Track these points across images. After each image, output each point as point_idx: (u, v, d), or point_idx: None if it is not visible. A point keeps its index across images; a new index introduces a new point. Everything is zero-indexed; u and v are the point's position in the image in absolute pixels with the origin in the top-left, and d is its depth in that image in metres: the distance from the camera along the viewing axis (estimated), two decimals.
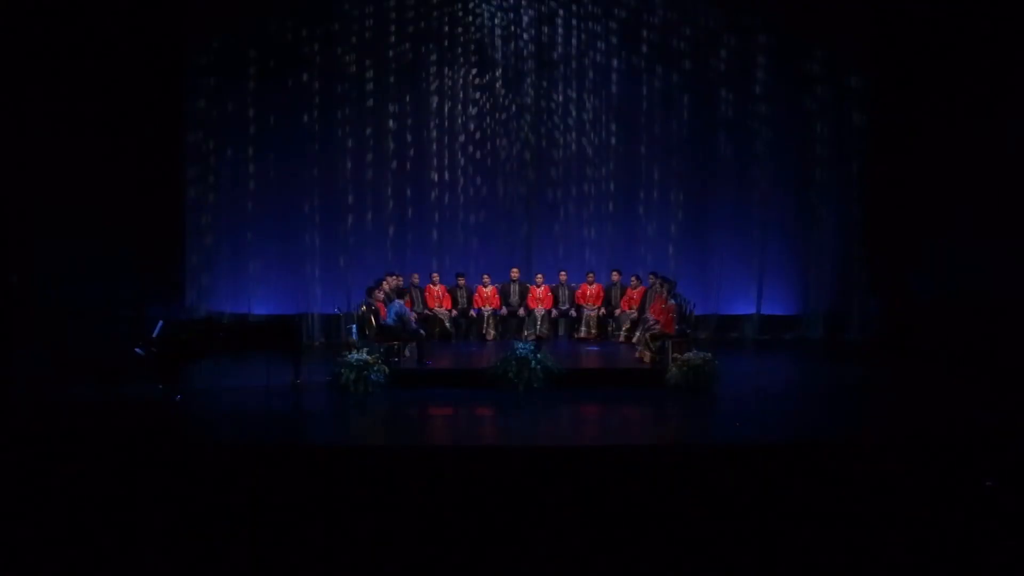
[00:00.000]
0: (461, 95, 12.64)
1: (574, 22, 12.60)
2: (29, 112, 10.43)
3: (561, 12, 12.59)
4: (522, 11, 12.55)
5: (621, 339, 11.49)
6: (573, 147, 12.77)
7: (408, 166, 12.61)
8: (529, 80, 12.63)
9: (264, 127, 12.27)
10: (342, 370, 8.88)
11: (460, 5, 12.47)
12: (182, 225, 12.16)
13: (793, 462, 6.66)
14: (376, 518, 5.56)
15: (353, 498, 5.96)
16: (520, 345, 9.40)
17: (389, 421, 8.31)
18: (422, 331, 10.17)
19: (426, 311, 11.66)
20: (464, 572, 4.86)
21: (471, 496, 5.97)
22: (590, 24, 12.61)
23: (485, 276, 12.13)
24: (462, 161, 12.71)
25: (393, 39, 12.44)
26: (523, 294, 12.07)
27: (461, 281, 12.09)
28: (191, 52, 12.03)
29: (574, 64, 12.67)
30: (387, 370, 9.05)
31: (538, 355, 9.13)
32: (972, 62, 11.00)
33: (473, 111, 12.66)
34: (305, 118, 12.29)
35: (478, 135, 12.72)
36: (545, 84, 12.66)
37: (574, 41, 12.64)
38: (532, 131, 12.68)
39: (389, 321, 9.75)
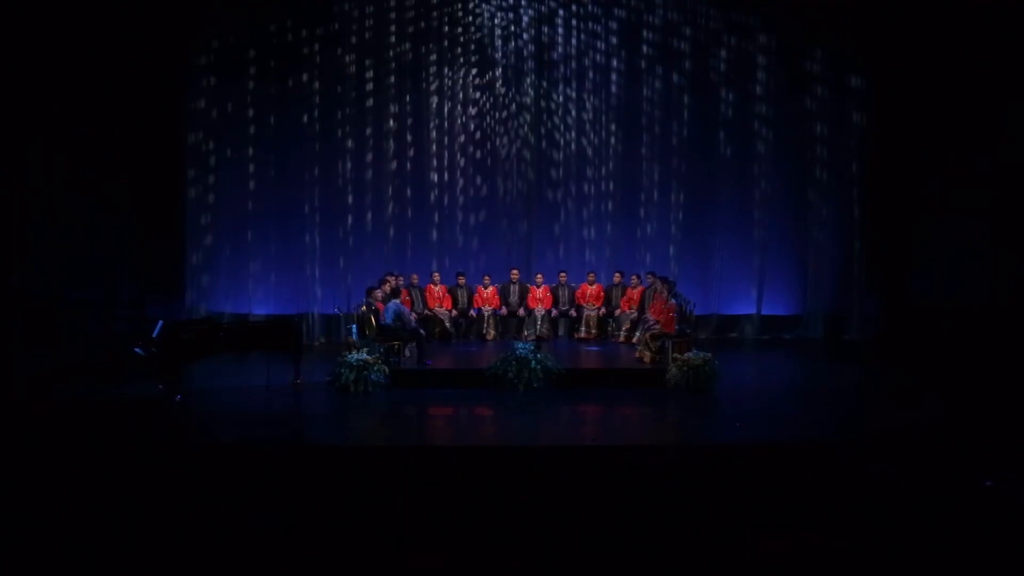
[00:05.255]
0: (461, 95, 12.65)
1: (574, 22, 12.62)
2: (28, 112, 10.42)
3: (561, 12, 12.61)
4: (522, 11, 12.56)
5: (621, 339, 11.50)
6: (573, 147, 12.78)
7: (408, 166, 12.61)
8: (529, 80, 12.64)
9: (264, 127, 12.27)
10: (342, 370, 8.88)
11: (460, 5, 12.48)
12: (182, 225, 12.16)
13: (793, 462, 6.66)
14: (376, 518, 5.56)
15: (353, 498, 5.96)
16: (520, 345, 9.40)
17: (389, 421, 8.31)
18: (422, 331, 10.17)
19: (426, 311, 11.66)
20: (464, 572, 4.86)
21: (471, 496, 5.97)
22: (590, 24, 12.62)
23: (485, 277, 12.14)
24: (462, 161, 12.72)
25: (393, 39, 12.45)
26: (523, 294, 12.07)
27: (461, 281, 12.09)
28: (191, 52, 12.02)
29: (574, 64, 12.68)
30: (387, 370, 9.06)
31: (538, 355, 9.14)
32: (972, 62, 11.00)
33: (473, 111, 12.67)
34: (305, 118, 12.29)
35: (478, 135, 12.72)
36: (545, 84, 12.67)
37: (574, 41, 12.65)
38: (532, 131, 12.69)
39: (388, 321, 9.75)
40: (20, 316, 10.03)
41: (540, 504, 5.78)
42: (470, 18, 12.54)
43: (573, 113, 12.76)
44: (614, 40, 12.63)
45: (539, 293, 12.06)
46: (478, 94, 12.69)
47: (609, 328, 11.92)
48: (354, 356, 9.04)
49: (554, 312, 12.04)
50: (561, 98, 12.73)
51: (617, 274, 12.14)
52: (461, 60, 12.59)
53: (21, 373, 9.60)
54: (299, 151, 12.31)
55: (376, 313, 9.79)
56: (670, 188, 12.75)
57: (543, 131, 12.75)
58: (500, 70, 12.62)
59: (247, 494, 6.00)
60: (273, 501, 5.86)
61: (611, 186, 12.82)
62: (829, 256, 12.73)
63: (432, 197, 12.68)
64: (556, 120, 12.77)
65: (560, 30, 12.65)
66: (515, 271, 12.19)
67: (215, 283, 12.31)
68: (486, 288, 12.06)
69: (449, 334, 11.75)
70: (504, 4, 12.55)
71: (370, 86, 12.45)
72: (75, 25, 10.80)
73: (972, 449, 6.80)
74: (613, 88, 12.71)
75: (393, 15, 12.37)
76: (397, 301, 10.02)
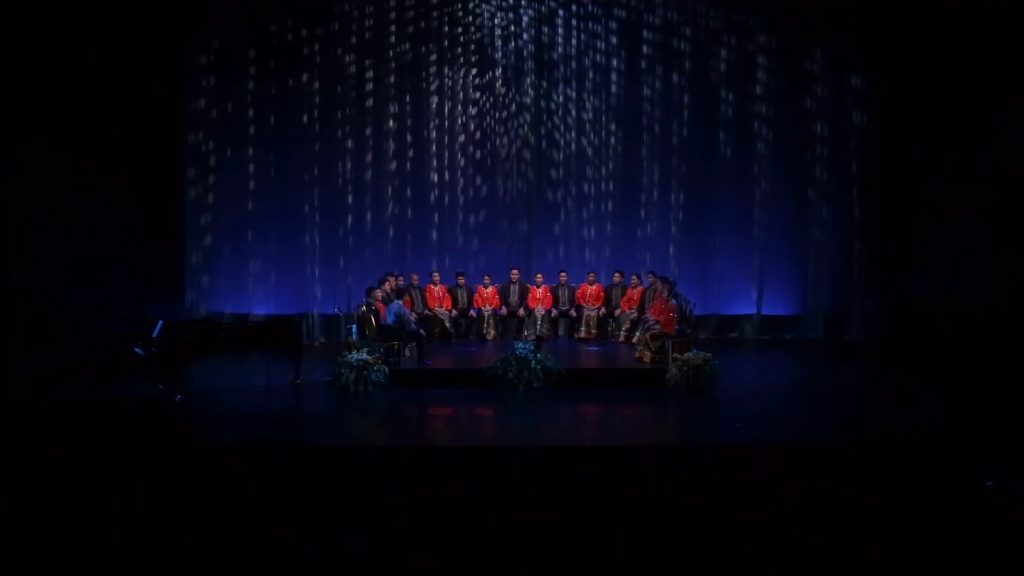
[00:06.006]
0: (461, 95, 12.65)
1: (574, 22, 12.62)
2: (29, 112, 10.42)
3: (561, 12, 12.61)
4: (522, 11, 12.56)
5: (621, 339, 11.50)
6: (573, 147, 12.78)
7: (408, 166, 12.61)
8: (529, 80, 12.64)
9: (264, 127, 12.27)
10: (342, 370, 8.88)
11: (460, 5, 12.48)
12: (182, 225, 12.16)
13: (793, 462, 6.66)
14: (376, 518, 5.56)
15: (353, 498, 5.96)
16: (520, 345, 9.41)
17: (389, 421, 8.31)
18: (422, 331, 10.17)
19: (426, 311, 11.66)
20: (464, 572, 4.86)
21: (471, 496, 5.97)
22: (590, 24, 12.62)
23: (485, 277, 12.14)
24: (462, 161, 12.72)
25: (393, 39, 12.45)
26: (523, 294, 12.07)
27: (461, 281, 12.09)
28: (191, 52, 12.02)
29: (574, 64, 12.68)
30: (387, 370, 9.06)
31: (538, 355, 9.14)
32: (972, 61, 11.00)
33: (473, 111, 12.67)
34: (305, 118, 12.28)
35: (478, 135, 12.72)
36: (545, 84, 12.68)
37: (574, 41, 12.66)
38: (532, 131, 12.69)
39: (388, 321, 9.75)
40: (20, 316, 10.02)
41: (540, 504, 5.78)
42: (470, 18, 12.54)
43: (573, 113, 12.75)
44: (614, 40, 12.63)
45: (539, 293, 12.06)
46: (478, 94, 12.69)
47: (609, 328, 11.92)
48: (354, 356, 9.04)
49: (554, 312, 12.04)
50: (561, 98, 12.73)
51: (617, 274, 12.14)
52: (461, 60, 12.59)
53: (21, 373, 9.60)
54: (299, 151, 12.31)
55: (376, 313, 9.79)
56: (670, 188, 12.75)
57: (543, 131, 12.75)
58: (500, 70, 12.62)
59: (247, 494, 5.99)
60: (273, 501, 5.86)
61: (611, 186, 12.82)
62: (829, 256, 12.73)
63: (432, 197, 12.68)
64: (556, 120, 12.77)
65: (560, 30, 12.65)
66: (515, 271, 12.20)
67: (215, 283, 12.31)
68: (486, 288, 12.06)
69: (449, 334, 11.75)
70: (504, 4, 12.55)
71: (370, 86, 12.45)
72: (75, 25, 10.80)
73: (972, 449, 6.80)
74: (613, 88, 12.71)
75: (393, 15, 12.38)
76: (399, 302, 10.01)
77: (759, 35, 12.50)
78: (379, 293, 10.15)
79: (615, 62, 12.66)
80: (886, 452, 6.86)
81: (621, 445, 7.17)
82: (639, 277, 11.90)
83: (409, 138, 12.58)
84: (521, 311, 11.98)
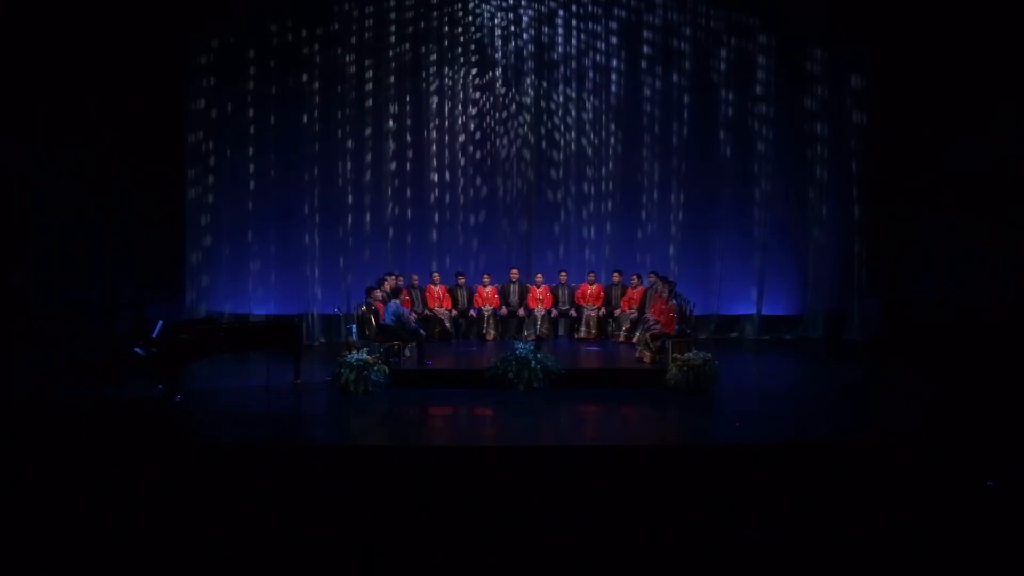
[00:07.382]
0: (461, 95, 12.65)
1: (574, 22, 12.62)
2: (29, 112, 10.43)
3: (561, 12, 12.61)
4: (522, 11, 12.56)
5: (621, 339, 11.49)
6: (573, 147, 12.78)
7: (408, 166, 12.61)
8: (529, 80, 12.64)
9: (264, 127, 12.27)
10: (342, 370, 8.88)
11: (460, 5, 12.48)
12: (182, 225, 12.16)
13: (793, 462, 6.67)
14: (376, 518, 5.56)
15: (353, 498, 5.96)
16: (520, 345, 9.41)
17: (389, 421, 8.31)
18: (422, 331, 10.17)
19: (426, 311, 11.66)
20: (464, 572, 4.86)
21: (471, 496, 5.97)
22: (590, 24, 12.62)
23: (485, 276, 12.14)
24: (462, 161, 12.72)
25: (393, 39, 12.45)
26: (523, 294, 12.07)
27: (461, 281, 12.09)
28: (191, 52, 12.03)
29: (574, 64, 12.68)
30: (387, 370, 9.06)
31: (538, 355, 9.14)
32: (973, 62, 11.00)
33: (473, 111, 12.67)
34: (305, 118, 12.29)
35: (478, 135, 12.72)
36: (545, 84, 12.68)
37: (574, 41, 12.66)
38: (532, 131, 12.69)
39: (388, 321, 9.75)
40: (20, 316, 10.02)
41: (540, 504, 5.78)
42: (470, 18, 12.54)
43: (573, 113, 12.75)
44: (614, 40, 12.63)
45: (539, 293, 12.05)
46: (478, 94, 12.69)
47: (609, 328, 11.91)
48: (354, 356, 9.04)
49: (554, 312, 12.04)
50: (561, 98, 12.73)
51: (616, 273, 12.14)
52: (461, 60, 12.59)
53: (21, 373, 9.60)
54: (299, 151, 12.32)
55: (376, 313, 9.80)
56: (670, 188, 12.75)
57: (543, 131, 12.74)
58: (500, 70, 12.62)
59: (247, 494, 5.99)
60: (273, 501, 5.86)
61: (611, 186, 12.81)
62: (829, 256, 12.72)
63: (432, 197, 12.68)
64: (556, 120, 12.77)
65: (560, 30, 12.65)
66: (515, 271, 12.19)
67: (215, 283, 12.32)
68: (486, 287, 12.06)
69: (449, 334, 11.75)
70: (504, 4, 12.55)
71: (370, 86, 12.45)
72: (75, 25, 10.80)
73: (972, 449, 6.80)
74: (613, 88, 12.71)
75: (393, 15, 12.38)
76: (396, 302, 10.02)
77: (759, 35, 12.49)
78: (379, 293, 10.15)
79: (615, 62, 12.66)
80: (886, 452, 6.85)
81: (621, 445, 7.16)
82: (639, 277, 11.90)
83: (409, 138, 12.58)
84: (521, 311, 11.98)
